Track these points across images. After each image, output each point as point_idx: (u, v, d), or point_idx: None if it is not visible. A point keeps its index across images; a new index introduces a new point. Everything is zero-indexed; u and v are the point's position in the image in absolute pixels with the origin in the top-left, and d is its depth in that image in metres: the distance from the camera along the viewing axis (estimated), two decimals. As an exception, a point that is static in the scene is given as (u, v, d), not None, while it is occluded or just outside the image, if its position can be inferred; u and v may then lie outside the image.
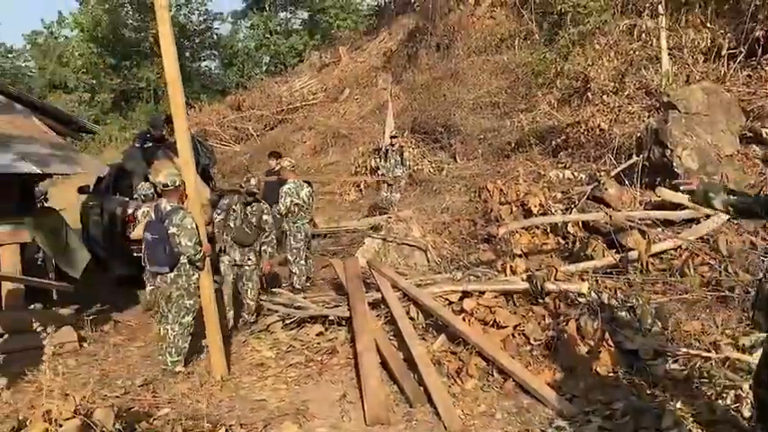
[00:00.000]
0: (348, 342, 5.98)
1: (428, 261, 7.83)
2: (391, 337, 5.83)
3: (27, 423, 3.54)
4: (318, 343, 6.10)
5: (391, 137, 11.85)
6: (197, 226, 5.38)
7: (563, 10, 13.56)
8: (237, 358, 5.93)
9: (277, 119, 20.13)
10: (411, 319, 5.85)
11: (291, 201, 7.69)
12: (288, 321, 6.52)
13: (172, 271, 5.44)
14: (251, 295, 6.78)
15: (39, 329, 3.57)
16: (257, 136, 19.39)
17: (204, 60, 31.84)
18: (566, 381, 4.86)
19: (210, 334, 5.49)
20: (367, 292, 6.35)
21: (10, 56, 34.36)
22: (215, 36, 31.28)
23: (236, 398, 5.07)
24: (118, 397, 4.95)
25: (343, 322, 6.26)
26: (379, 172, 12.09)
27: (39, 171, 6.35)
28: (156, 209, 5.57)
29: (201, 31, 30.44)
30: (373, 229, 8.97)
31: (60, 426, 3.53)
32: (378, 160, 12.76)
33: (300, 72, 23.68)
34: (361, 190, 13.79)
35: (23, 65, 34.69)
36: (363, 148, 14.91)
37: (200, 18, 30.31)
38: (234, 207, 6.71)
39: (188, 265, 5.45)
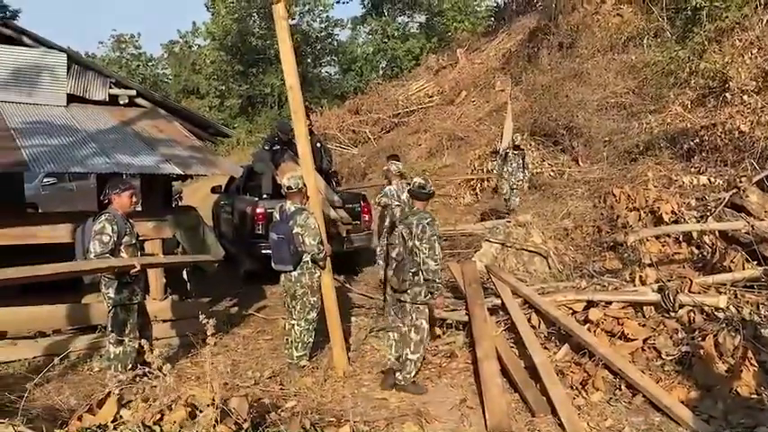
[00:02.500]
0: (467, 346, 5.96)
1: (549, 268, 7.64)
2: (511, 345, 5.75)
3: (171, 407, 3.80)
4: (436, 346, 6.13)
5: (516, 145, 11.44)
6: (319, 226, 5.59)
7: (698, 5, 12.76)
8: (358, 356, 6.09)
9: (393, 122, 20.41)
10: (532, 327, 5.73)
11: (385, 201, 7.80)
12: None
13: (295, 269, 5.62)
14: None
15: (203, 320, 3.82)
16: (374, 139, 19.77)
17: (324, 66, 32.88)
18: (702, 400, 4.56)
19: (332, 330, 5.69)
20: (485, 297, 6.30)
21: (150, 64, 37.27)
22: (335, 42, 32.22)
23: (358, 395, 5.20)
24: (249, 387, 5.23)
25: (461, 326, 6.25)
26: (497, 174, 11.79)
27: (181, 172, 6.84)
28: (281, 210, 5.78)
29: (323, 37, 31.44)
30: (491, 233, 8.86)
31: (200, 411, 3.77)
32: (496, 163, 12.49)
33: (417, 75, 23.84)
34: (476, 193, 13.68)
35: (161, 72, 37.55)
36: (480, 150, 14.79)
37: (322, 25, 31.36)
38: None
39: (310, 264, 5.62)
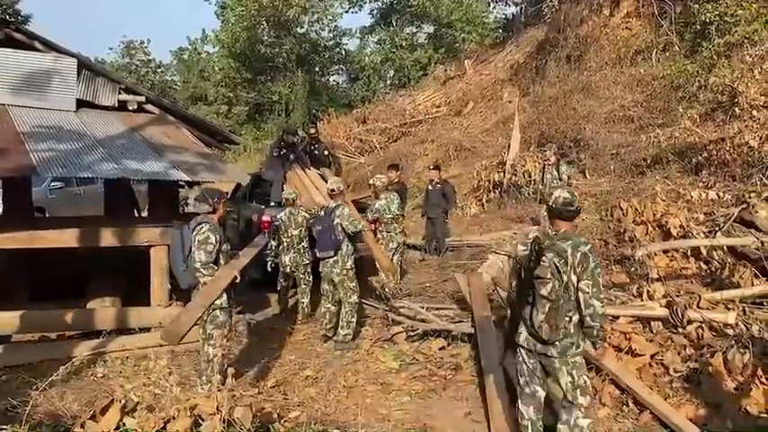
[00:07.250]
0: (472, 359, 5.92)
1: (556, 280, 7.57)
2: (517, 358, 5.69)
3: (175, 416, 3.77)
4: (441, 357, 6.09)
5: (543, 151, 10.93)
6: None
7: (707, 20, 12.72)
8: (363, 367, 6.05)
9: (400, 131, 20.38)
10: (538, 339, 5.68)
11: (376, 217, 8.30)
12: (411, 333, 6.59)
13: (335, 255, 6.66)
14: None
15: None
16: (381, 148, 19.76)
17: (332, 75, 32.94)
18: (710, 418, 4.50)
19: (375, 251, 7.41)
20: (491, 309, 6.25)
21: (159, 70, 37.44)
22: (343, 51, 32.29)
23: (362, 406, 5.15)
24: (252, 396, 5.18)
25: (467, 338, 6.21)
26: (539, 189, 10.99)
27: (189, 179, 6.85)
28: (325, 208, 7.04)
29: (331, 46, 31.50)
30: (497, 245, 8.81)
31: (203, 420, 3.74)
32: (530, 179, 11.81)
33: (424, 86, 23.86)
34: (482, 204, 13.63)
35: (170, 79, 37.69)
36: (487, 161, 14.73)
37: (330, 34, 31.43)
38: None
39: (344, 251, 6.68)
